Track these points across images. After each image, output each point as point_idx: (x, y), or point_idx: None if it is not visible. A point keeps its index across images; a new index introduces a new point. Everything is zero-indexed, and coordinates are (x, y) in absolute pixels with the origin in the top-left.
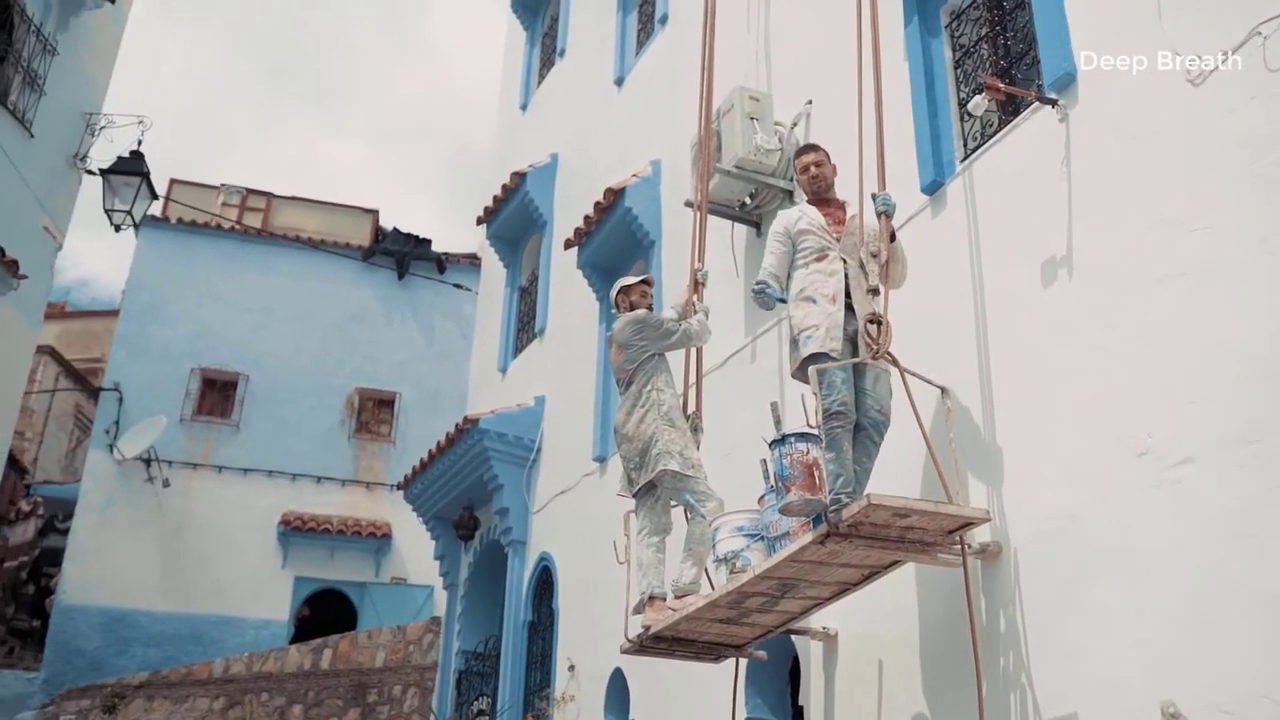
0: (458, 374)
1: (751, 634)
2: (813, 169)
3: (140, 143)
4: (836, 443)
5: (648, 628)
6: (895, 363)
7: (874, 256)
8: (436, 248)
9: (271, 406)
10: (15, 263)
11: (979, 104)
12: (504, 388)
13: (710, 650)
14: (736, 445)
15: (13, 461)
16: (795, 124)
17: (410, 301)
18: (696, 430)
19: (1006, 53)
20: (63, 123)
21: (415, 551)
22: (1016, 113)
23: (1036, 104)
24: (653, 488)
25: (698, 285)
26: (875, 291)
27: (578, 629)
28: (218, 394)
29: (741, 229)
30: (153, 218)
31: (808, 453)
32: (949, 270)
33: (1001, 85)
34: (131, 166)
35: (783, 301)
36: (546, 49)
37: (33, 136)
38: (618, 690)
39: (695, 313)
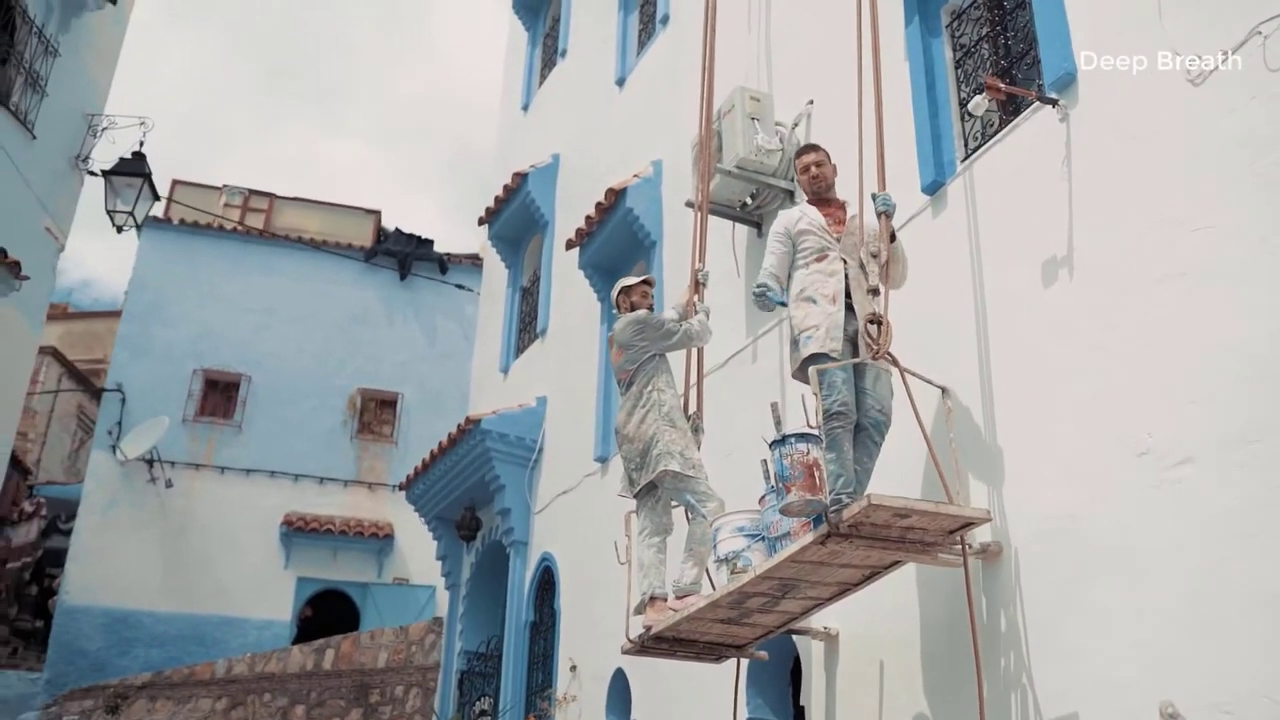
0: (460, 374)
1: (753, 634)
2: (813, 169)
3: (142, 144)
4: (837, 443)
5: (649, 628)
6: (895, 363)
7: (874, 257)
8: (438, 248)
9: (274, 407)
10: (17, 264)
11: (979, 104)
12: (506, 388)
13: (711, 650)
14: (737, 445)
15: (15, 462)
16: (796, 124)
17: (412, 302)
18: (697, 431)
19: (1007, 52)
20: (65, 124)
21: (417, 552)
22: (1017, 113)
23: (1037, 104)
24: (654, 488)
25: (698, 286)
26: (875, 292)
27: (579, 629)
28: (220, 395)
29: (742, 229)
30: (155, 219)
31: (808, 453)
32: (949, 270)
33: (1002, 85)
34: (133, 167)
35: (783, 305)
36: (548, 49)
37: (35, 138)
38: (619, 690)
39: (696, 313)
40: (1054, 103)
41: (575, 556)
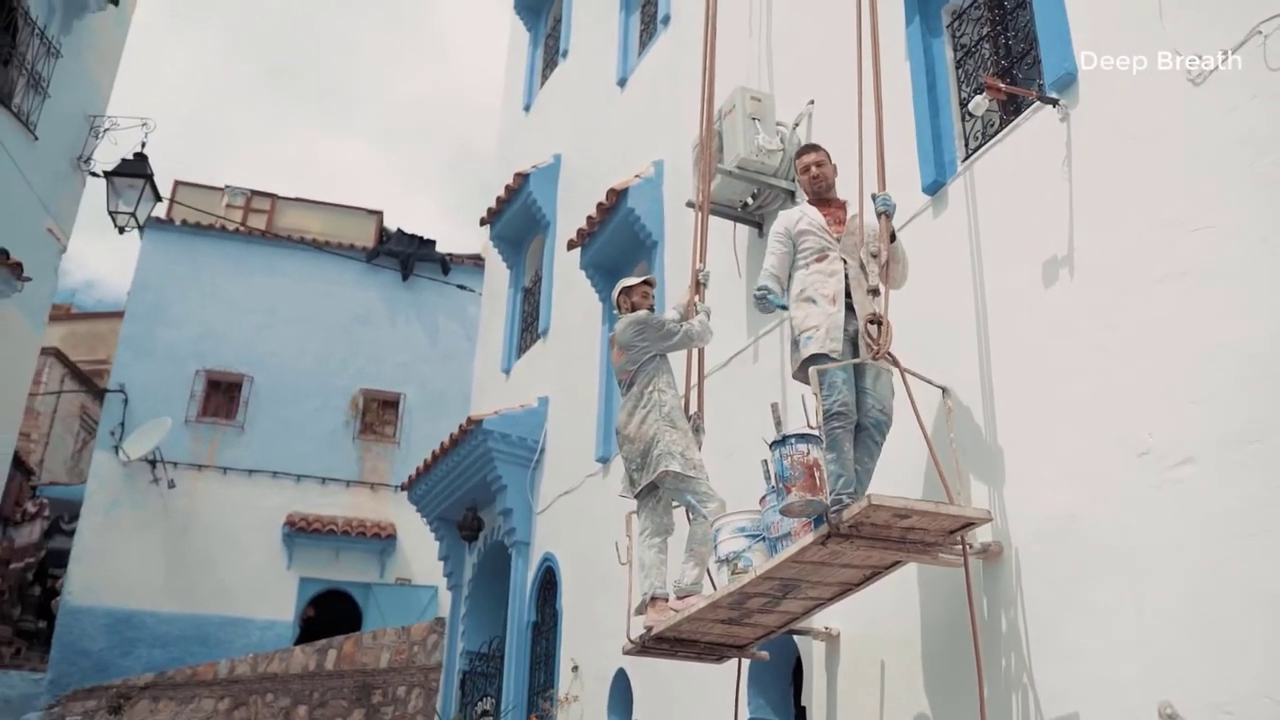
0: (462, 375)
1: (754, 634)
2: (813, 169)
3: (144, 145)
4: (837, 443)
5: (650, 628)
6: (896, 363)
7: (874, 257)
8: (440, 249)
9: (276, 407)
10: (19, 265)
11: (980, 104)
12: (508, 388)
13: (713, 651)
14: (738, 446)
15: (19, 463)
16: (797, 124)
17: (414, 302)
18: (698, 431)
19: (1007, 52)
20: (67, 125)
21: (420, 552)
22: (1018, 112)
23: (1037, 104)
24: (655, 488)
25: (699, 286)
26: (876, 292)
27: (581, 629)
28: (222, 395)
29: (744, 229)
30: (157, 219)
31: (808, 453)
32: (950, 270)
33: (1002, 85)
34: (135, 168)
35: (784, 309)
36: (549, 50)
37: (36, 139)
38: (621, 691)
39: (697, 313)
40: (1054, 103)
41: (577, 557)
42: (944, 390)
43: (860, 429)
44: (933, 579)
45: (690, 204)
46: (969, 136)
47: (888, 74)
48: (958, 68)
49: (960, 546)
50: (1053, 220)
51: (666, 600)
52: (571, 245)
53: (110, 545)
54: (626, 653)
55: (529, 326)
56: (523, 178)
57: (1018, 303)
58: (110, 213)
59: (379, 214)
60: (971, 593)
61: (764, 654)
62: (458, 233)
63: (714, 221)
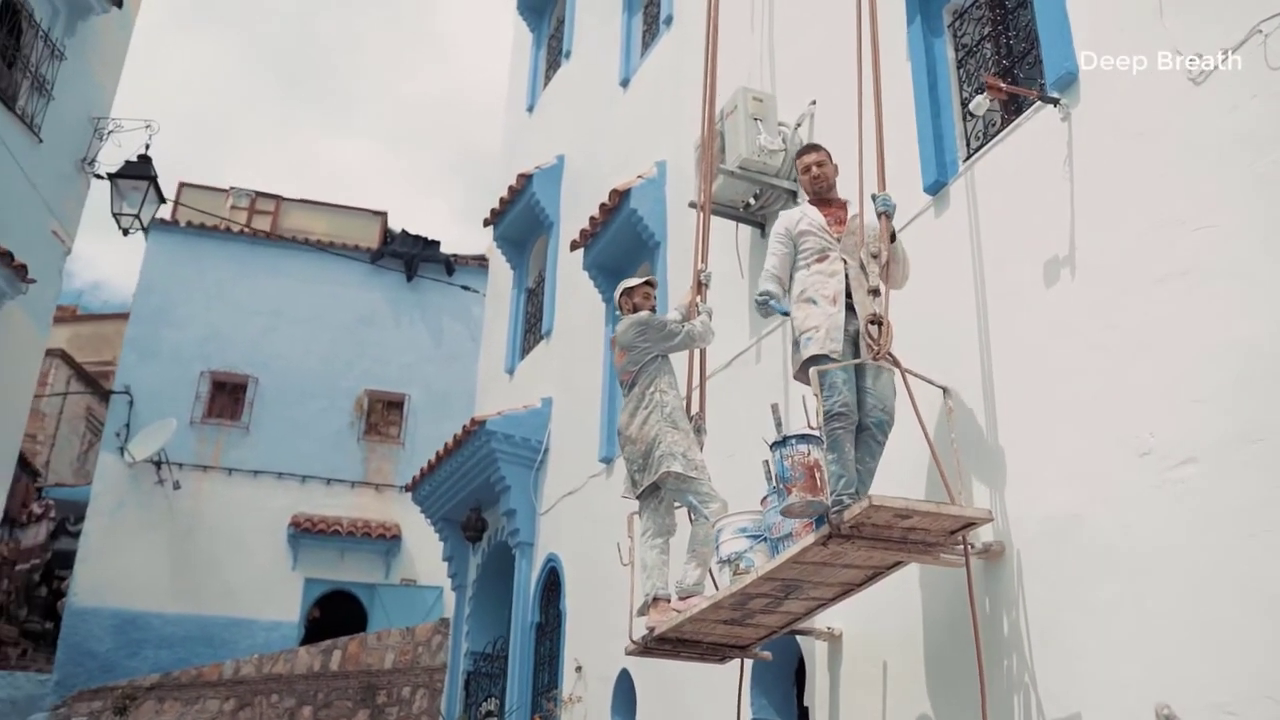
0: (466, 375)
1: (756, 635)
2: (814, 169)
3: (148, 146)
4: (838, 444)
5: (652, 629)
6: (896, 363)
7: (874, 257)
8: (445, 249)
9: (281, 408)
10: (24, 267)
11: (981, 104)
12: (511, 389)
13: (715, 651)
14: (740, 446)
15: (24, 464)
16: (799, 124)
17: (419, 303)
18: (700, 432)
19: (1008, 52)
20: (71, 127)
21: (425, 553)
22: (1019, 112)
23: (1038, 103)
24: (657, 489)
25: (701, 286)
26: (876, 292)
27: (585, 630)
28: (227, 396)
29: (746, 230)
30: (162, 221)
31: (809, 454)
32: (951, 270)
33: (1003, 85)
34: (139, 170)
35: (786, 314)
36: (553, 51)
37: (41, 141)
38: (625, 691)
39: (699, 314)
40: (1055, 102)
41: (580, 557)
42: (945, 390)
43: (862, 429)
44: (934, 579)
45: (692, 204)
46: (970, 136)
47: (889, 74)
48: (959, 67)
49: (961, 547)
50: (1053, 220)
51: (669, 601)
52: (574, 246)
53: (116, 546)
54: (629, 653)
55: (532, 327)
56: (526, 178)
57: (1018, 302)
58: (114, 215)
59: (383, 215)
60: (973, 593)
61: (766, 654)
62: (462, 233)
63: (716, 222)
